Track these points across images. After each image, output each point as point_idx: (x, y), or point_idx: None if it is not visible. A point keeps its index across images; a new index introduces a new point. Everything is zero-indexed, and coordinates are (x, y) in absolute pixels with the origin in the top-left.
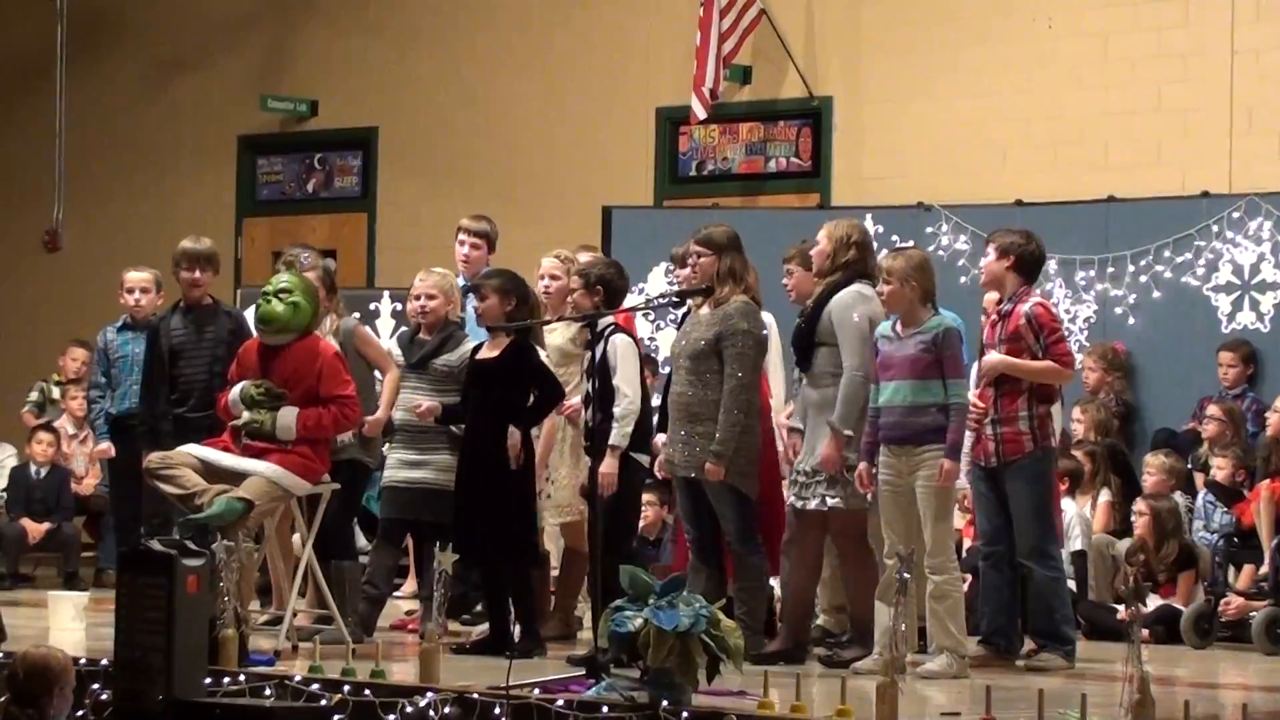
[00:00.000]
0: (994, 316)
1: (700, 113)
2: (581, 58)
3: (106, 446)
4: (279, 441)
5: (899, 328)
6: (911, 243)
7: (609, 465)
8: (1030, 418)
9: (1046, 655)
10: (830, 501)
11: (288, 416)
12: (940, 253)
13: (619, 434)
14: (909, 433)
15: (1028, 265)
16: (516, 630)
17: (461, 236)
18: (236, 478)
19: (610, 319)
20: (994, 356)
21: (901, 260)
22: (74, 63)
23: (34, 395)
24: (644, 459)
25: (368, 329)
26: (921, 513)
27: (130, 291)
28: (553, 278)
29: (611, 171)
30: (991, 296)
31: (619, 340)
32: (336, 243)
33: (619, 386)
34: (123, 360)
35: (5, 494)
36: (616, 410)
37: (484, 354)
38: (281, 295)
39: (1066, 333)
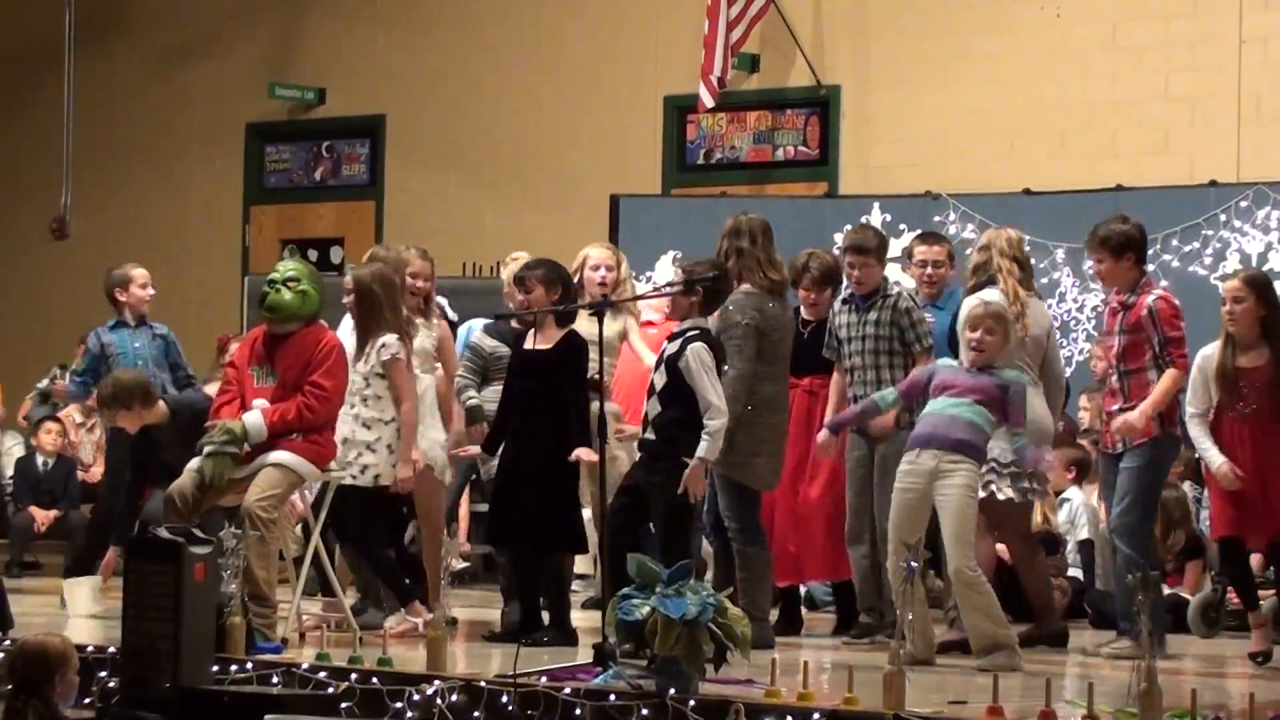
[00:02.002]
0: (1114, 305)
1: (708, 101)
2: (589, 46)
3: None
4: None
5: (966, 365)
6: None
7: (696, 476)
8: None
9: (1126, 642)
10: (1004, 494)
11: (254, 416)
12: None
13: (709, 447)
14: (946, 438)
15: (1143, 251)
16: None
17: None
18: (247, 478)
19: (696, 321)
20: (1134, 415)
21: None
22: (82, 50)
23: (43, 384)
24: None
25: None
26: (943, 522)
27: (144, 287)
28: (608, 268)
29: (619, 160)
30: None
31: (698, 349)
32: (344, 231)
33: (707, 399)
34: (123, 356)
35: (12, 483)
36: (709, 423)
37: (532, 345)
38: (290, 284)
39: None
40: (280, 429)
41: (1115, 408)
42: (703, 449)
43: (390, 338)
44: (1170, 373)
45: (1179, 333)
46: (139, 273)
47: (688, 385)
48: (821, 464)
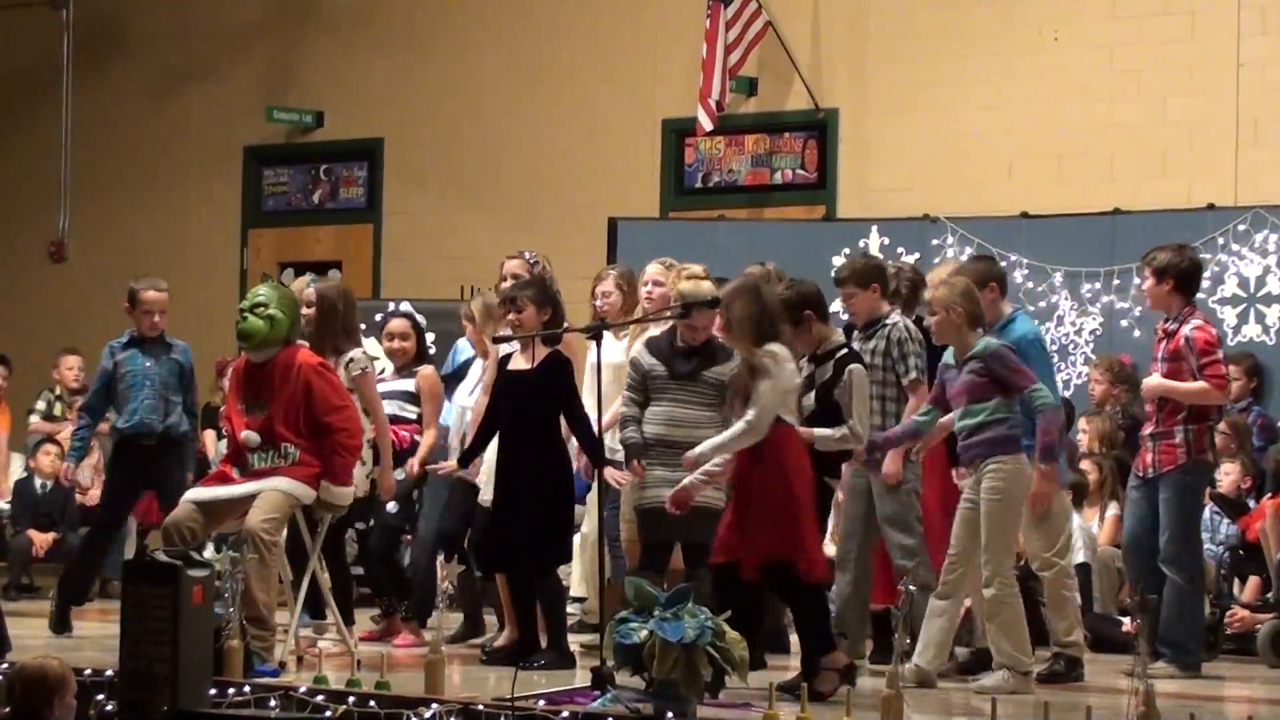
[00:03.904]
0: (1160, 332)
1: (706, 124)
2: (587, 69)
3: (68, 466)
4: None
5: (952, 358)
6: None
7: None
8: (1186, 432)
9: (1163, 664)
10: None
11: (334, 492)
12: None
13: (827, 439)
14: (975, 451)
15: (1186, 281)
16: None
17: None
18: (244, 503)
19: (840, 339)
20: (1153, 380)
21: (944, 290)
22: (80, 74)
23: (41, 405)
24: (834, 482)
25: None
26: (981, 523)
27: (148, 313)
28: (656, 284)
29: (617, 183)
30: None
31: (857, 371)
32: (342, 254)
33: (854, 421)
34: (131, 376)
35: (10, 506)
36: (849, 433)
37: (516, 365)
38: (257, 310)
39: (1212, 353)
40: (348, 471)
41: (1148, 433)
42: (823, 434)
43: (357, 352)
44: (1200, 384)
45: (1215, 357)
46: (148, 295)
47: (834, 407)
48: (928, 478)
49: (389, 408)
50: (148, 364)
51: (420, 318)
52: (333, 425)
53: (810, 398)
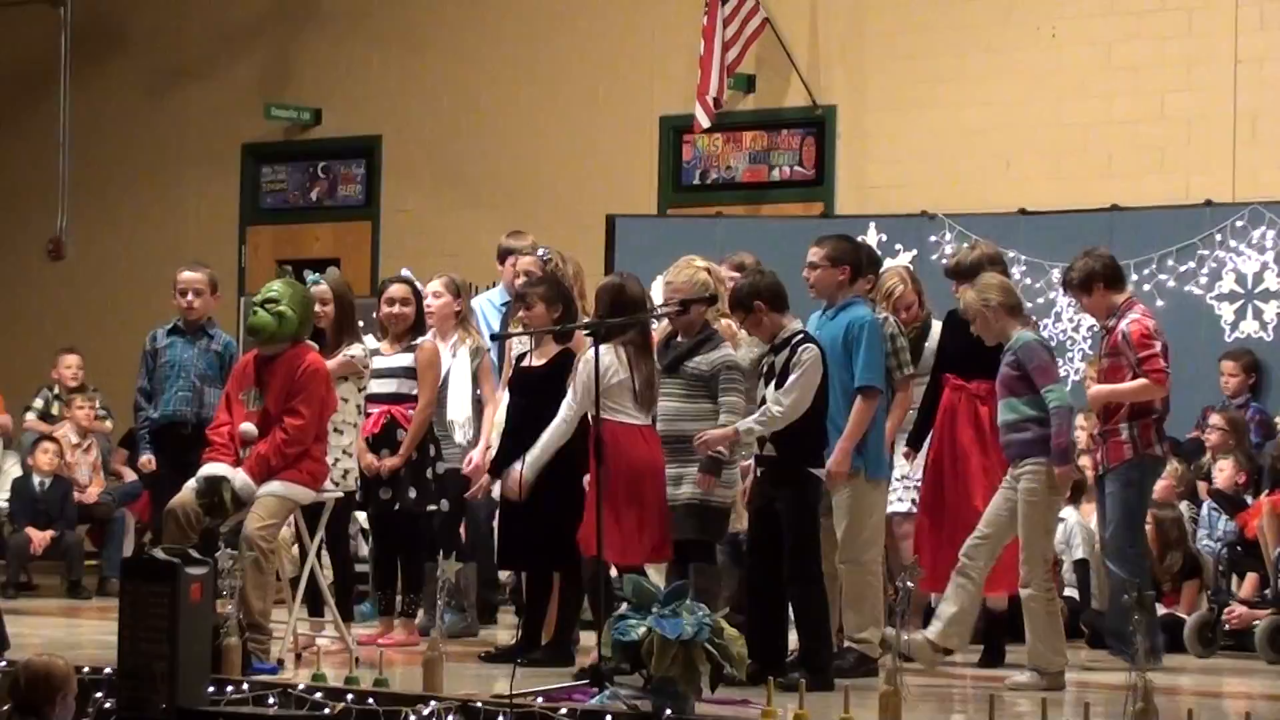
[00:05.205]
0: (1102, 331)
1: (704, 121)
2: (585, 66)
3: (147, 459)
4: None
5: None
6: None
7: (719, 436)
8: (1131, 428)
9: (1113, 658)
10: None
11: (239, 478)
12: (944, 261)
13: (751, 428)
14: (1013, 450)
15: (1113, 276)
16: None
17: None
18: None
19: (797, 326)
20: (1094, 390)
21: (971, 293)
22: (78, 71)
23: (38, 402)
24: (821, 473)
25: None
26: (1019, 526)
27: (184, 294)
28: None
29: (615, 180)
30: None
31: (810, 349)
32: (340, 251)
33: (789, 397)
34: (168, 365)
35: (8, 504)
36: (774, 413)
37: (529, 362)
38: (268, 305)
39: (1148, 346)
40: (266, 474)
41: (1097, 432)
42: (747, 424)
43: (358, 349)
44: (1139, 381)
45: (1152, 350)
46: (181, 275)
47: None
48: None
49: (390, 385)
50: (185, 354)
51: (420, 285)
52: (286, 425)
53: (772, 387)
